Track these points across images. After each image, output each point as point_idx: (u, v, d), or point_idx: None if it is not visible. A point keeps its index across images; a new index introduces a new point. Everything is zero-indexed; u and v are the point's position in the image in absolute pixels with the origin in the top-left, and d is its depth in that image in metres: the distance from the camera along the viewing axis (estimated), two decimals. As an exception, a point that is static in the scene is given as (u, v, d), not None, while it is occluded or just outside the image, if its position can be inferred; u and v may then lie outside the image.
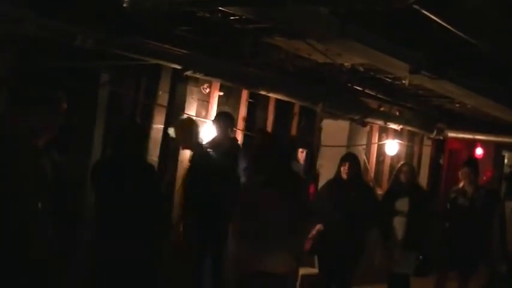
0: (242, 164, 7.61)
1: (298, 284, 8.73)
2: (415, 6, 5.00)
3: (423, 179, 13.38)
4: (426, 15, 5.29)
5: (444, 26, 5.65)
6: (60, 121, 5.01)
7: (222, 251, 7.71)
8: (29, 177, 4.64)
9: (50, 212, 4.83)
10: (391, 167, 12.51)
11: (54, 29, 5.96)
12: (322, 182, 8.83)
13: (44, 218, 4.78)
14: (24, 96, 4.98)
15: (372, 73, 9.37)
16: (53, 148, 4.98)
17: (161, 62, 7.38)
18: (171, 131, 7.73)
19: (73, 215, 5.45)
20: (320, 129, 11.03)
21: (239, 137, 9.00)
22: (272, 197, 5.26)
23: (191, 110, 8.52)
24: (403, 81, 9.16)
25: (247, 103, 9.60)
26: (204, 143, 7.96)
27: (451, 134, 13.15)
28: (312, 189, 8.79)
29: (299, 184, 5.71)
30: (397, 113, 12.16)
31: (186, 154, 8.32)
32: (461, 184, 8.92)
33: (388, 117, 11.42)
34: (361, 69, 9.09)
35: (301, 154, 8.84)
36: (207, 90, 8.75)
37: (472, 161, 9.67)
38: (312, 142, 10.54)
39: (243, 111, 9.53)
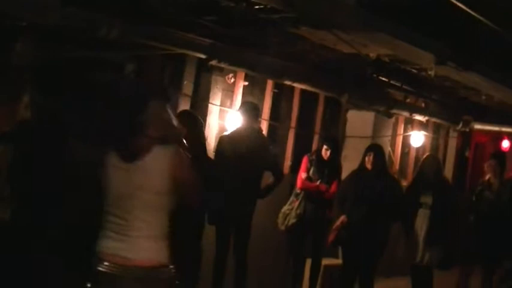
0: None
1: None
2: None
3: (448, 171, 13.30)
4: (453, 4, 5.24)
5: (471, 15, 5.60)
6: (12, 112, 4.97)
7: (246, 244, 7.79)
8: None
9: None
10: (416, 158, 12.46)
11: (79, 19, 5.97)
12: (345, 173, 8.80)
13: None
14: None
15: (397, 64, 9.31)
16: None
17: (186, 52, 7.39)
18: None
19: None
20: (345, 120, 11.01)
21: (264, 127, 8.99)
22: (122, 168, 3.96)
23: (216, 100, 8.52)
24: (429, 73, 9.10)
25: (272, 93, 9.59)
26: (227, 132, 7.97)
27: (477, 126, 13.05)
28: (335, 182, 8.76)
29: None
30: (423, 105, 12.09)
31: (210, 146, 8.33)
32: (487, 177, 8.87)
33: (414, 109, 11.38)
34: (387, 60, 9.04)
35: (326, 152, 8.79)
36: (232, 80, 8.74)
37: (499, 154, 9.62)
38: (337, 133, 10.51)
39: (267, 102, 9.52)
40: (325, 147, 8.76)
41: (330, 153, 8.68)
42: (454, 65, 7.60)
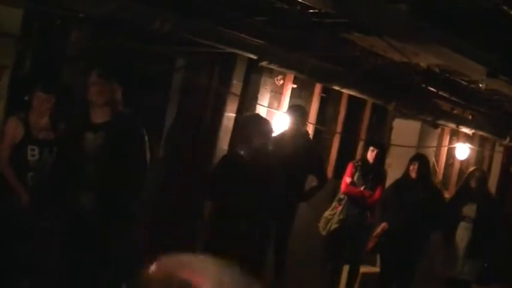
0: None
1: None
2: (504, 7, 4.92)
3: (492, 185, 13.13)
4: (507, 16, 5.20)
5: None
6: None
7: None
8: None
9: None
10: (460, 171, 12.36)
11: (134, 11, 6.05)
12: (389, 181, 8.77)
13: None
14: None
15: (447, 75, 9.26)
16: None
17: (237, 51, 7.42)
18: None
19: None
20: (391, 128, 10.96)
21: (310, 130, 8.99)
22: None
23: (264, 101, 8.54)
24: (480, 85, 9.01)
25: (319, 97, 9.59)
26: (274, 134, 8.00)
27: (524, 142, 12.89)
28: (378, 189, 8.73)
29: None
30: (470, 117, 11.98)
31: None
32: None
33: (461, 121, 11.27)
34: (437, 70, 8.99)
35: (372, 153, 8.75)
36: (281, 82, 8.76)
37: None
38: (382, 141, 10.46)
39: (315, 105, 9.53)
40: (371, 148, 8.71)
41: (376, 154, 8.61)
42: (505, 78, 7.53)
